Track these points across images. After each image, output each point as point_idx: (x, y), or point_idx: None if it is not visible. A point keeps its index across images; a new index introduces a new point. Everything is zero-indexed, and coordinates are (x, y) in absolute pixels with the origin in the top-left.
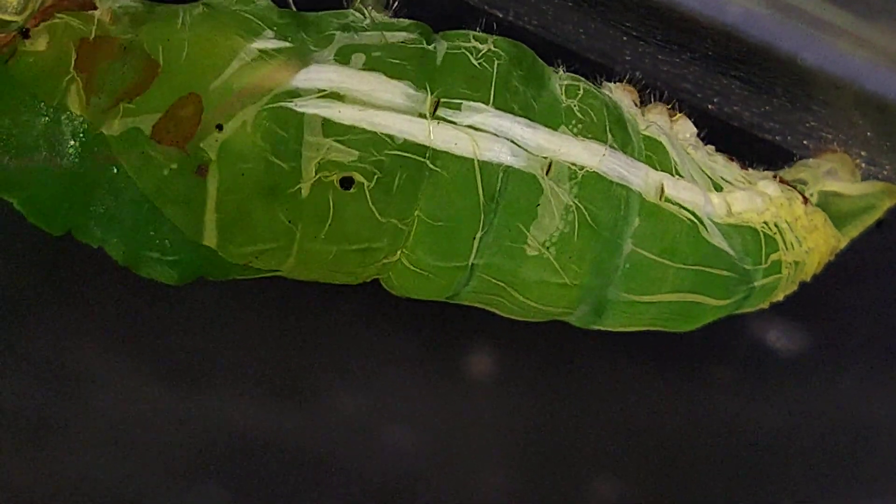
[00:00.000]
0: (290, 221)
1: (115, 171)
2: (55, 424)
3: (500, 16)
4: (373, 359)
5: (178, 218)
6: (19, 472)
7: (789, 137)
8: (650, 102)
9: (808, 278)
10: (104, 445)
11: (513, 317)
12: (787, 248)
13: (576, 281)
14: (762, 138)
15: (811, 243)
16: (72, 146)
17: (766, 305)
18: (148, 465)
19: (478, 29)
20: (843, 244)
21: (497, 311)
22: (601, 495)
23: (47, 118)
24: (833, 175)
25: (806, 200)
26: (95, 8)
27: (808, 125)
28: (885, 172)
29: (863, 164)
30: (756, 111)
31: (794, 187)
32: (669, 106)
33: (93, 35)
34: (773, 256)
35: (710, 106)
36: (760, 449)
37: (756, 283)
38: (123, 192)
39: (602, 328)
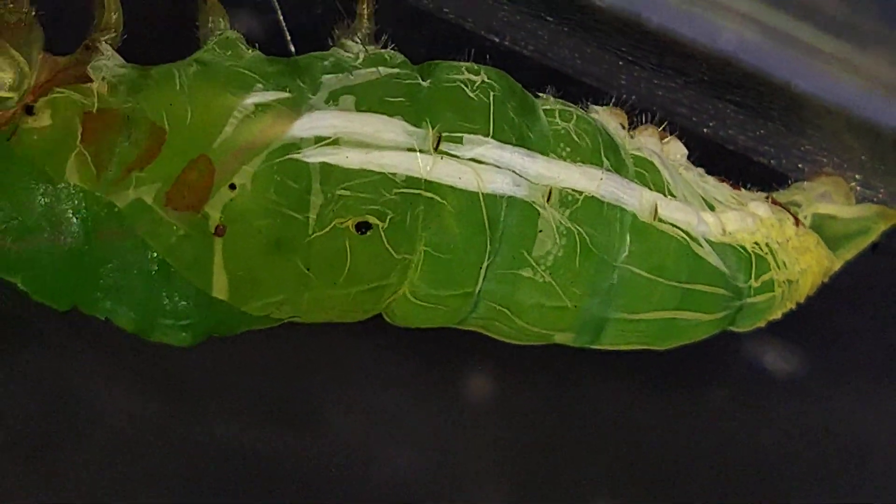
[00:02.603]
0: (308, 269)
1: (124, 245)
2: (54, 443)
3: (497, 40)
4: (370, 381)
5: (197, 279)
6: (19, 489)
7: (784, 161)
8: (641, 124)
9: (801, 299)
10: (103, 465)
11: (508, 340)
12: (778, 268)
13: (575, 303)
14: (757, 161)
15: (803, 264)
16: (75, 224)
17: (762, 324)
18: (145, 486)
19: (467, 58)
20: (837, 266)
21: (493, 335)
22: None
23: (47, 198)
24: (827, 198)
25: (798, 222)
26: (91, 80)
27: (802, 149)
28: (880, 196)
29: (857, 188)
30: (751, 135)
31: (788, 209)
32: (661, 128)
33: (95, 107)
34: (765, 276)
35: (705, 130)
36: (757, 469)
37: (747, 301)
38: (133, 264)
39: (596, 347)
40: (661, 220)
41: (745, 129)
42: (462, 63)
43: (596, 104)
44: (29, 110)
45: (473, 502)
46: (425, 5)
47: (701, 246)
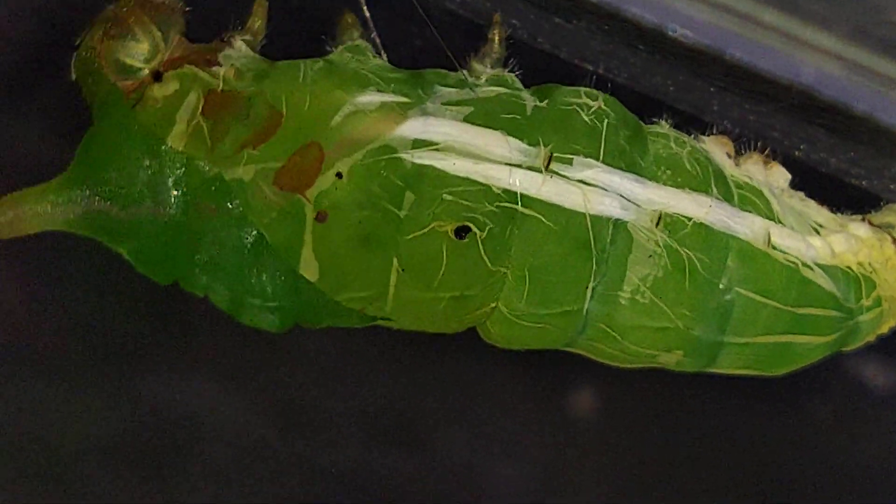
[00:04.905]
0: (402, 269)
1: (220, 220)
2: (167, 463)
3: (591, 69)
4: (478, 400)
5: (290, 257)
6: None
7: (876, 182)
8: (745, 152)
9: None
10: (215, 486)
11: (613, 363)
12: (883, 285)
13: (683, 323)
14: (849, 183)
15: None
16: (174, 197)
17: (872, 339)
18: None
19: (588, 84)
20: None
21: (597, 358)
22: None
23: (151, 170)
24: None
25: (895, 241)
26: (220, 65)
27: (893, 171)
28: None
29: None
30: (842, 157)
31: (884, 230)
32: (765, 154)
33: (220, 87)
34: (874, 294)
35: (796, 153)
36: (859, 484)
37: (860, 319)
38: (226, 240)
39: (711, 370)
40: (774, 248)
41: (836, 152)
42: (581, 88)
43: (691, 130)
44: (157, 76)
45: None
46: (520, 35)
47: (812, 270)
